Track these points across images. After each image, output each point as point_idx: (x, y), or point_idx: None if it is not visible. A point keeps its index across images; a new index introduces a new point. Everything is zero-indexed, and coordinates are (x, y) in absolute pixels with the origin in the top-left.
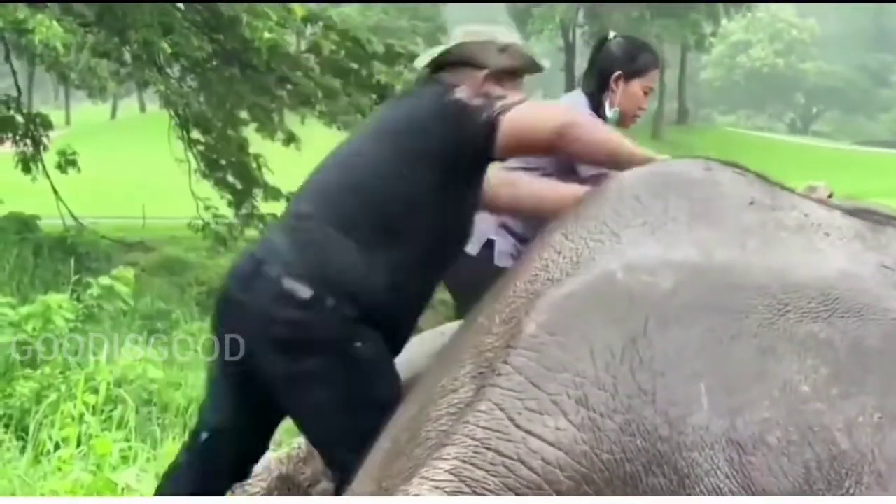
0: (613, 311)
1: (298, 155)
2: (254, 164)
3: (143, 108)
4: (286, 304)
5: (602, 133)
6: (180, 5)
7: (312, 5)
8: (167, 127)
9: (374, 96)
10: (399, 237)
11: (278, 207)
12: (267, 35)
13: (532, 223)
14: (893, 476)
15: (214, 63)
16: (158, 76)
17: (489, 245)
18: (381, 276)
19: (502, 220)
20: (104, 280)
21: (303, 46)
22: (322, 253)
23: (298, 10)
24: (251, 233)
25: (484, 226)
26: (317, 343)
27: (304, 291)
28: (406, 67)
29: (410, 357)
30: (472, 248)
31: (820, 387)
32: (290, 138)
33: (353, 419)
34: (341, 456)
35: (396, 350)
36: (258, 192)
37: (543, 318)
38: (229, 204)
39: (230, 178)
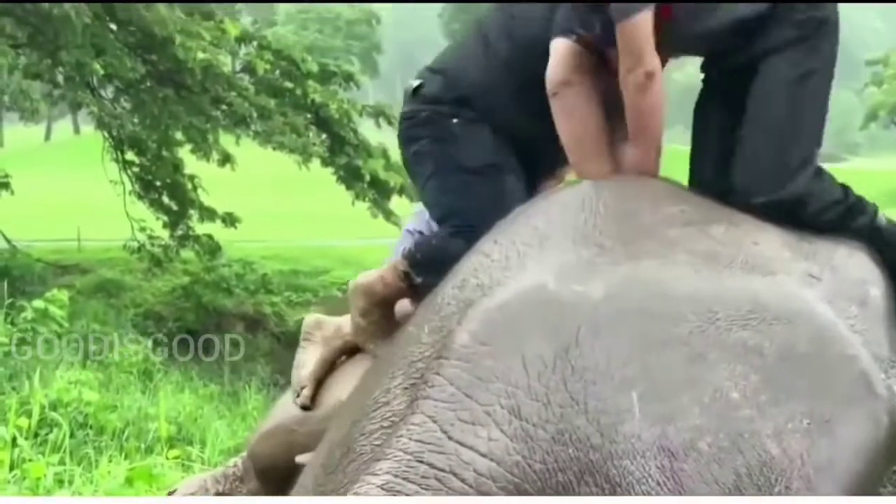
0: (545, 320)
1: (234, 175)
2: (189, 185)
3: (77, 130)
4: (404, 103)
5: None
6: (113, 26)
7: (247, 26)
8: (102, 149)
9: (309, 115)
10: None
11: (214, 228)
12: (201, 55)
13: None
14: (822, 481)
15: (148, 84)
16: (92, 97)
17: None
18: (472, 61)
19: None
20: (38, 303)
21: (237, 66)
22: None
23: (232, 29)
24: (187, 254)
25: None
26: (421, 125)
27: (413, 84)
28: (340, 86)
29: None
30: None
31: (749, 394)
32: (226, 158)
33: (446, 181)
34: (442, 220)
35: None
36: (193, 213)
37: (475, 327)
38: (164, 225)
39: (165, 200)
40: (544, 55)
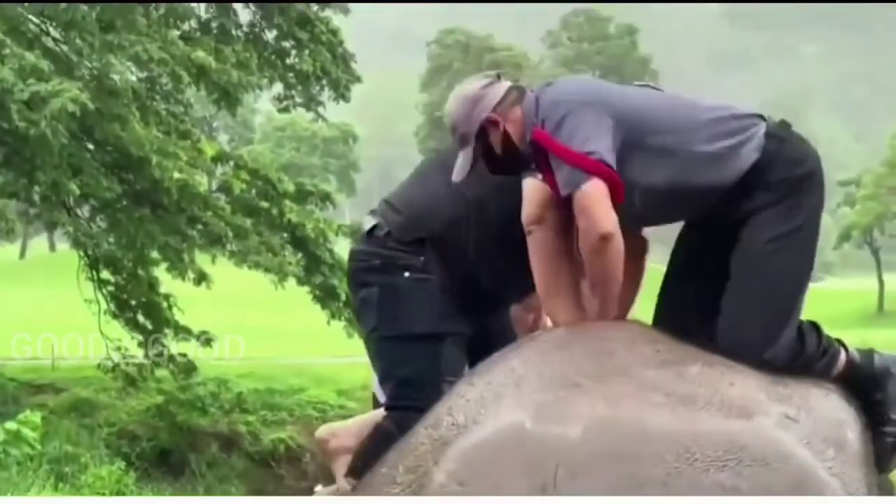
0: (523, 460)
1: (209, 294)
2: (164, 304)
3: (52, 248)
4: (358, 241)
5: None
6: (90, 145)
7: (223, 145)
8: (77, 267)
9: (285, 235)
10: None
11: (188, 347)
12: (177, 175)
13: None
14: None
15: (124, 203)
16: (67, 217)
17: None
18: (438, 201)
19: None
20: (10, 425)
21: (213, 186)
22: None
23: (208, 149)
24: (161, 373)
25: None
26: (372, 271)
27: (369, 222)
28: (317, 206)
29: None
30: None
31: None
32: (201, 277)
33: (386, 343)
34: (381, 380)
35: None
36: (169, 332)
37: (452, 467)
38: (139, 344)
39: (140, 319)
40: (518, 193)
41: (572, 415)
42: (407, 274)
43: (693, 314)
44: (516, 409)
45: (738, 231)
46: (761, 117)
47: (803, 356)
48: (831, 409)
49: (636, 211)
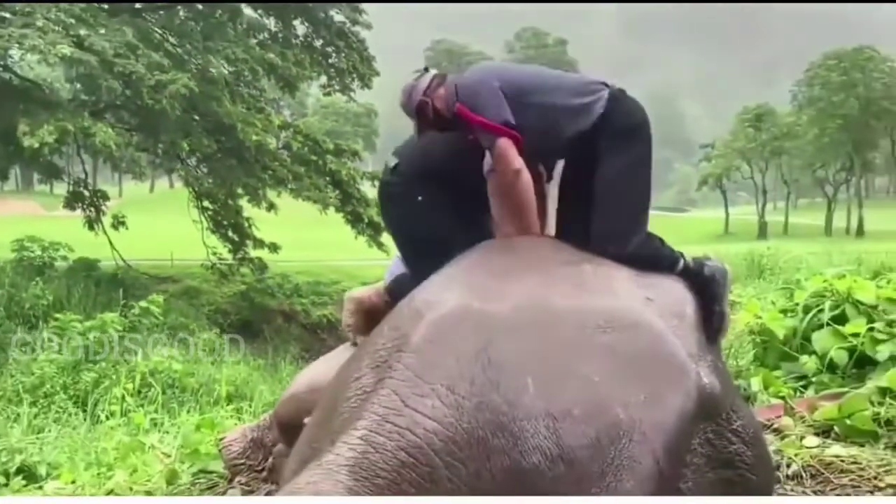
0: (471, 327)
1: (276, 218)
2: (246, 224)
3: (171, 186)
4: (384, 174)
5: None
6: (196, 116)
7: (286, 117)
8: (187, 198)
9: (328, 178)
10: None
11: (263, 253)
12: (254, 137)
13: None
14: (654, 435)
15: (219, 156)
16: (181, 165)
17: None
18: (436, 145)
19: None
20: (143, 304)
21: (279, 145)
22: (408, 140)
23: (276, 119)
24: (244, 270)
25: None
26: (393, 197)
27: (391, 161)
28: (349, 159)
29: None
30: None
31: (607, 378)
32: (271, 206)
33: (410, 247)
34: (411, 267)
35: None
36: (249, 243)
37: (424, 331)
38: (229, 251)
39: (230, 234)
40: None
41: (505, 297)
42: (420, 198)
43: (581, 230)
44: (467, 293)
45: (595, 167)
46: (606, 85)
47: (653, 253)
48: (677, 293)
49: (527, 151)
